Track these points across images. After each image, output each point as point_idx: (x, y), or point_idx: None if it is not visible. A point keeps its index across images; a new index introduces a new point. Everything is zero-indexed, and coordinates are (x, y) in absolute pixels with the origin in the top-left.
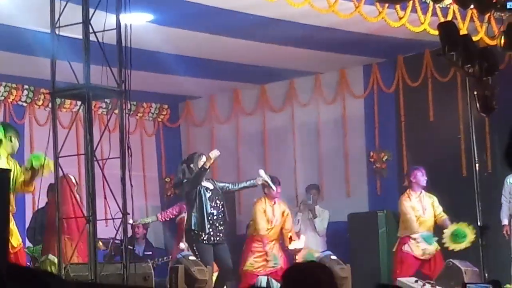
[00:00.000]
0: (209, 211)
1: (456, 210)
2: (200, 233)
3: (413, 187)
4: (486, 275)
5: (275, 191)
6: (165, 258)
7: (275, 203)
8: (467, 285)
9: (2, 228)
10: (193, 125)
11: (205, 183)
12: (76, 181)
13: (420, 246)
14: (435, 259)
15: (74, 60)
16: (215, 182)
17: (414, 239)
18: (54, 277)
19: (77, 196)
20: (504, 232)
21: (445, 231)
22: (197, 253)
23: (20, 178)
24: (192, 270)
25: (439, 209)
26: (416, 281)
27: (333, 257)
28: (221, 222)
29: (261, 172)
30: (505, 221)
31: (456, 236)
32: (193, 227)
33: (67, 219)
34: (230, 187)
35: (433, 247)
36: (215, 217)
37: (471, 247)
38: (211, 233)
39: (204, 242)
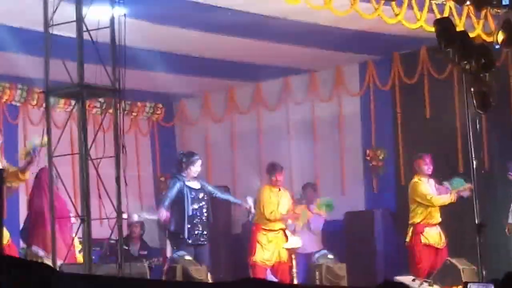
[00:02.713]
0: (190, 213)
1: (453, 208)
2: (180, 234)
3: (420, 173)
4: (484, 273)
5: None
6: (160, 258)
7: (279, 190)
8: (469, 284)
9: None
10: (188, 124)
11: (190, 183)
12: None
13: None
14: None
15: (68, 59)
16: (204, 183)
17: (433, 224)
18: (52, 270)
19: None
20: (506, 230)
21: None
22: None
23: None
24: (189, 269)
25: None
26: (414, 280)
27: (330, 256)
28: (204, 224)
29: (249, 200)
30: (510, 220)
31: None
32: (172, 229)
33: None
34: (217, 195)
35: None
36: (198, 218)
37: (469, 245)
38: (192, 234)
39: (186, 243)
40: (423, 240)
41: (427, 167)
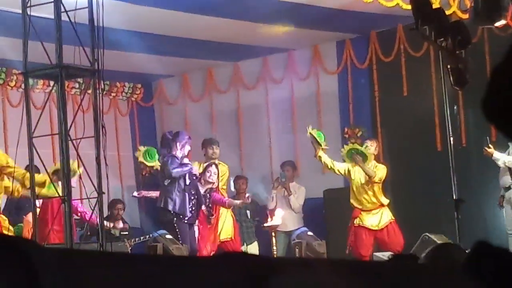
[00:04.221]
0: (181, 193)
1: (431, 184)
2: (181, 215)
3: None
4: None
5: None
6: (141, 238)
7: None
8: None
9: None
10: (167, 104)
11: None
12: None
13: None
14: (389, 228)
15: (46, 40)
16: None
17: (361, 209)
18: (31, 242)
19: None
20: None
21: None
22: (177, 230)
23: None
24: (170, 248)
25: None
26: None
27: (310, 233)
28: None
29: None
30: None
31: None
32: (170, 208)
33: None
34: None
35: (385, 219)
36: (188, 198)
37: (445, 220)
38: (191, 213)
39: (184, 221)
40: (357, 222)
41: None
